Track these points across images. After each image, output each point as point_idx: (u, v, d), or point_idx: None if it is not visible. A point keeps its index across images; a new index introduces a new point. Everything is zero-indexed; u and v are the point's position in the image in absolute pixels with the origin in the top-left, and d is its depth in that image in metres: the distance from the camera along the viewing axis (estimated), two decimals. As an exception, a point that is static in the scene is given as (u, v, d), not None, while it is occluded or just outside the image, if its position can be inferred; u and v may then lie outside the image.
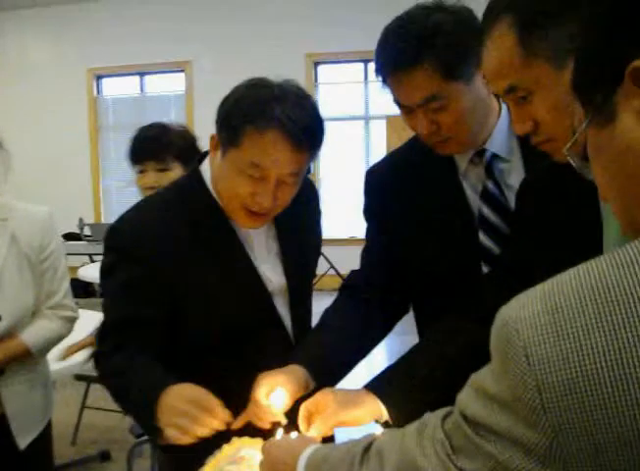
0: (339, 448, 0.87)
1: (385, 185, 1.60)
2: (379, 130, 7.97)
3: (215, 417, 1.21)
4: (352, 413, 1.26)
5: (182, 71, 8.51)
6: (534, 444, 0.58)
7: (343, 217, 7.70)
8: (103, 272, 1.51)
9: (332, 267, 7.08)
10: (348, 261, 9.10)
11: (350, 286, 1.61)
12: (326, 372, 1.39)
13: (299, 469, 0.89)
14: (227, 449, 1.34)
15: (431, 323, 1.50)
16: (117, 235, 1.49)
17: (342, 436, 1.24)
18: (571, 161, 0.78)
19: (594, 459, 0.55)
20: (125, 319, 1.42)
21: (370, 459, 0.78)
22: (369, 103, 8.31)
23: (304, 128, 1.33)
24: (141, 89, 8.96)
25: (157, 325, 1.42)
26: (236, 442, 1.37)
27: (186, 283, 1.43)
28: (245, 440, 1.26)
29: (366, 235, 1.66)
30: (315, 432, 1.22)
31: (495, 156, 1.46)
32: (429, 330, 1.46)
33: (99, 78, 8.84)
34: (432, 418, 0.74)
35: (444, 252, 1.49)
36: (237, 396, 1.31)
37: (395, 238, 1.57)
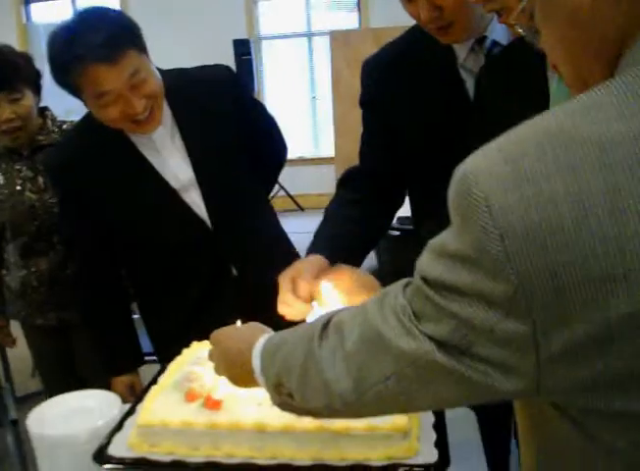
0: (295, 331, 0.87)
1: (382, 75, 1.61)
2: (323, 47, 7.81)
3: None
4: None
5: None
6: (498, 294, 0.59)
7: (290, 137, 7.63)
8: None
9: (282, 188, 7.06)
10: (298, 182, 9.08)
11: (347, 178, 1.67)
12: (341, 259, 1.43)
13: (255, 355, 0.90)
14: (188, 353, 1.37)
15: (426, 209, 1.58)
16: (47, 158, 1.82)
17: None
18: (519, 29, 0.79)
19: (557, 303, 0.57)
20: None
21: (329, 335, 0.78)
22: (311, 19, 8.08)
23: (103, 45, 1.46)
24: (74, 14, 8.57)
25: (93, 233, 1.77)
26: (195, 345, 1.40)
27: (102, 196, 1.70)
28: (205, 343, 1.28)
29: (363, 125, 1.68)
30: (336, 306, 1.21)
31: (495, 43, 1.44)
32: None
33: (27, 2, 8.39)
34: (392, 288, 0.74)
35: (439, 138, 1.51)
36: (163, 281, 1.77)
37: (391, 126, 1.59)
